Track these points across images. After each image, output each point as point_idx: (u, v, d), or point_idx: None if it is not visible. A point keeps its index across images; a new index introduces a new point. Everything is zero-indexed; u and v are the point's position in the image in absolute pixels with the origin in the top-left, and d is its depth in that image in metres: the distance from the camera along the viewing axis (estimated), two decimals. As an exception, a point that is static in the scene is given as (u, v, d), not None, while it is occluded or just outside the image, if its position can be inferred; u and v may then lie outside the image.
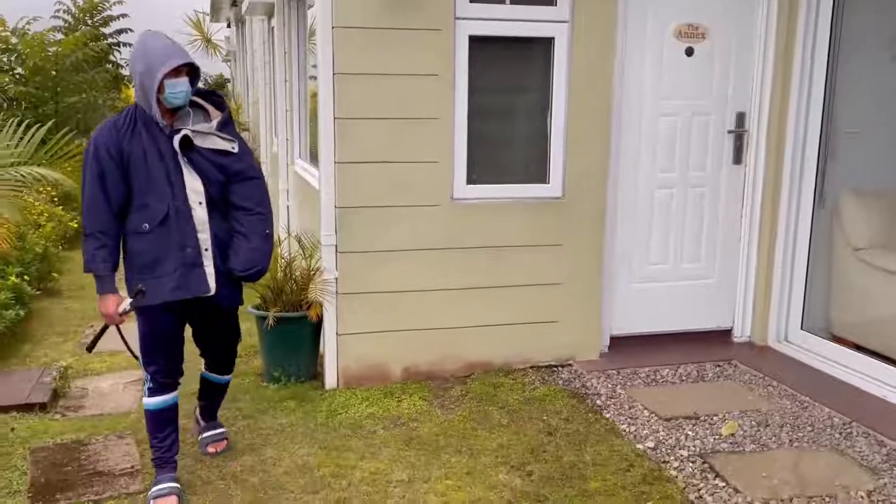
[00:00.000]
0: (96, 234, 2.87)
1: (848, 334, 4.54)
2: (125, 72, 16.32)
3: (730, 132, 4.67)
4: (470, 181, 4.28)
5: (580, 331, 4.52)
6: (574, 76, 4.27)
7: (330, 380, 4.19)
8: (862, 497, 3.06)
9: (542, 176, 4.41)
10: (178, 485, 3.06)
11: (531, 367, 4.44)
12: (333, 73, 3.97)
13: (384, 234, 4.16)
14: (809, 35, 4.45)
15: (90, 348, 3.27)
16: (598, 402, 3.99)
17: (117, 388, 4.21)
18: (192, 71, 2.91)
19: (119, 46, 14.92)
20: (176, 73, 2.81)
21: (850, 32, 4.46)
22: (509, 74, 4.42)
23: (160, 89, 2.80)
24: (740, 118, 4.66)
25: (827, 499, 3.04)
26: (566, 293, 4.44)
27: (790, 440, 3.56)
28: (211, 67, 22.76)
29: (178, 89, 2.85)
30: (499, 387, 4.19)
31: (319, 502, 3.03)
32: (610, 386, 4.17)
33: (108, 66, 14.22)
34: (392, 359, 4.27)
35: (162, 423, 3.08)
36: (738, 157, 4.70)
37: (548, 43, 4.27)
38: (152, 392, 3.06)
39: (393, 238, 4.16)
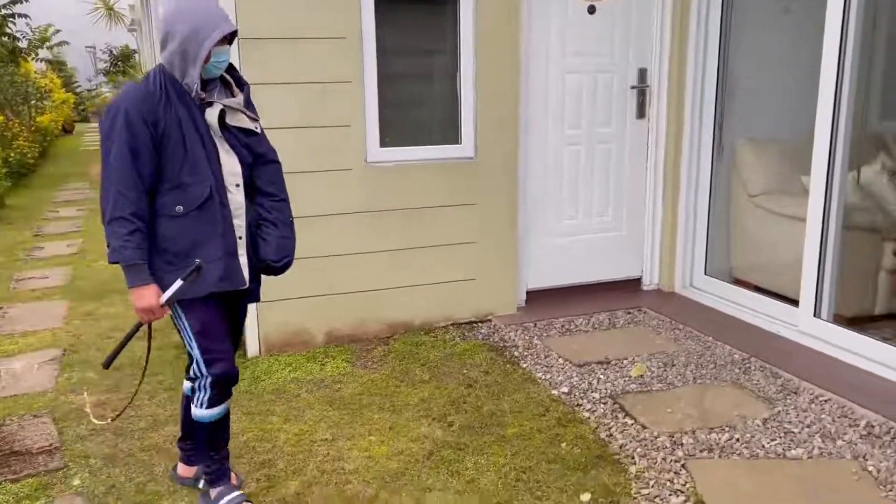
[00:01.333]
0: (127, 217, 2.42)
1: (748, 277, 4.82)
2: (23, 44, 15.52)
3: (633, 88, 4.83)
4: (383, 144, 4.31)
5: (497, 287, 4.64)
6: (481, 35, 4.33)
7: (252, 348, 4.20)
8: (758, 424, 3.29)
9: (454, 136, 4.47)
10: (244, 493, 2.83)
11: (451, 325, 4.55)
12: (238, 39, 3.92)
13: (299, 200, 4.08)
14: (705, -10, 4.63)
15: (108, 364, 2.67)
16: (516, 353, 4.13)
17: (31, 368, 4.12)
18: (231, 38, 2.59)
19: (14, 18, 14.16)
20: (222, 39, 2.51)
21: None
22: (418, 35, 4.44)
23: (207, 57, 2.47)
24: (642, 74, 4.82)
25: (726, 428, 3.26)
26: (482, 251, 4.56)
27: (694, 378, 3.78)
28: (115, 38, 21.87)
29: (223, 58, 2.54)
30: (420, 345, 4.28)
31: (244, 466, 3.07)
32: (527, 338, 4.32)
33: (3, 38, 13.50)
34: (314, 324, 4.30)
35: (220, 434, 2.75)
36: (641, 112, 4.87)
37: (455, 1, 4.31)
38: (212, 402, 2.65)
39: (309, 204, 4.16)
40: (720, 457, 3.04)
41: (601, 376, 3.80)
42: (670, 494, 2.78)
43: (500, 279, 4.65)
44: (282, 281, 4.17)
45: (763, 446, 3.10)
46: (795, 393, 3.57)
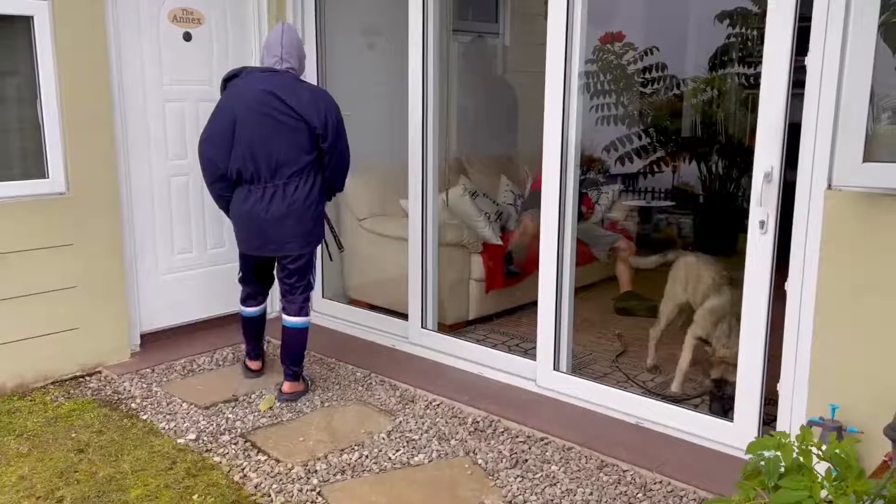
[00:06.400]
0: None
1: (361, 296, 5.10)
2: None
3: (238, 117, 4.78)
4: (-56, 182, 3.64)
5: (106, 333, 4.22)
6: (62, 59, 3.89)
7: None
8: (383, 438, 3.48)
9: (39, 170, 3.95)
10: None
11: (52, 383, 4.01)
12: None
13: None
14: (297, 23, 4.77)
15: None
16: (134, 405, 3.80)
17: None
18: None
19: None
20: None
21: (333, 22, 4.92)
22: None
23: None
24: (247, 103, 4.80)
25: (356, 447, 3.39)
26: (84, 295, 4.10)
27: (322, 402, 3.87)
28: None
29: None
30: (14, 412, 3.69)
31: None
32: (145, 386, 4.00)
33: None
34: None
35: None
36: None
37: (28, 22, 3.81)
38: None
39: None
40: (353, 477, 3.15)
41: (230, 416, 3.68)
42: (309, 525, 2.80)
43: (108, 324, 4.23)
44: None
45: (390, 458, 3.29)
46: (412, 401, 3.87)
